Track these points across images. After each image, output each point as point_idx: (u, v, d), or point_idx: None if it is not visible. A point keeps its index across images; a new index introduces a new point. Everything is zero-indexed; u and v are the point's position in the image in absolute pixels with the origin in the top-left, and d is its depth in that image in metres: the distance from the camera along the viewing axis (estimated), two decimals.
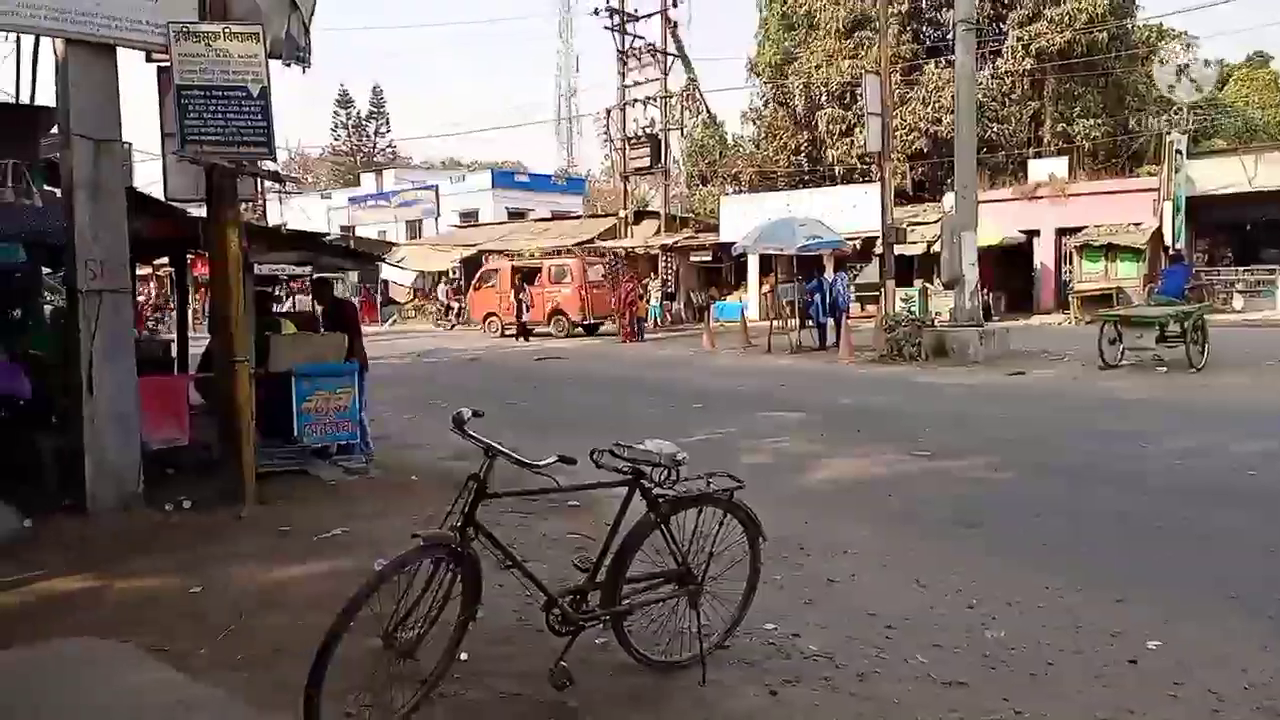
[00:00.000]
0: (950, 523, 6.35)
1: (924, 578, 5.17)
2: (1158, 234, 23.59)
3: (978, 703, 3.67)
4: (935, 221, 24.07)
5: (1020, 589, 4.92)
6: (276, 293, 20.58)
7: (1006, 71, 31.08)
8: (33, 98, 9.36)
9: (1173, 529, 6.02)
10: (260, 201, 31.24)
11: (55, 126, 7.97)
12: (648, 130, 33.41)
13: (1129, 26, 31.62)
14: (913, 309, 19.69)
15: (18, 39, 9.09)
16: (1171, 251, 20.62)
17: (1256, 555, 5.46)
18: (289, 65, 7.46)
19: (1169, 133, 24.06)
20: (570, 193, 49.12)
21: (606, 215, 37.43)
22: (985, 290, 20.49)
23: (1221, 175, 23.77)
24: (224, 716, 3.71)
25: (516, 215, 42.88)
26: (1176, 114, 23.85)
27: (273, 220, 36.34)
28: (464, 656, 3.89)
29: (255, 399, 7.11)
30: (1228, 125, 35.87)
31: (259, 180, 10.44)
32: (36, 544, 5.90)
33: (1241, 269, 24.46)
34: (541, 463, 3.54)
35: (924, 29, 34.15)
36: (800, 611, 4.71)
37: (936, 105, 30.53)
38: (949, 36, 27.02)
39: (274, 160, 8.43)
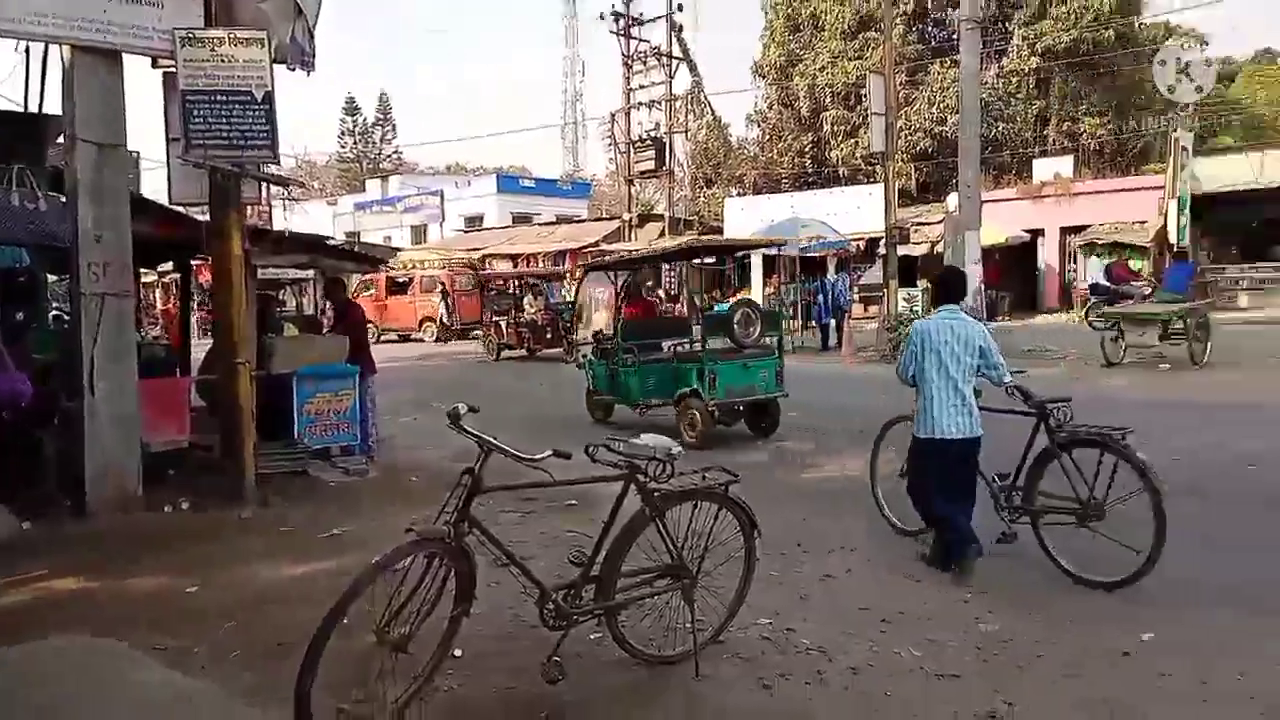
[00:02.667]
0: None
1: (919, 574, 5.19)
2: (1163, 232, 23.49)
3: (968, 694, 3.69)
4: (939, 221, 24.05)
5: (1015, 583, 4.94)
6: (280, 296, 20.70)
7: (1012, 70, 31.04)
8: (41, 106, 9.43)
9: (1171, 524, 6.01)
10: (266, 207, 31.38)
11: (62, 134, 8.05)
12: (652, 133, 33.45)
13: (1135, 24, 31.54)
14: (916, 309, 19.67)
15: (26, 48, 9.16)
16: (1175, 249, 20.54)
17: (1250, 551, 5.45)
18: (293, 70, 7.52)
19: (1175, 131, 24.00)
20: (575, 196, 49.19)
21: (611, 218, 37.47)
22: (990, 289, 20.47)
23: (1229, 173, 23.67)
24: (221, 712, 3.75)
25: (522, 219, 42.97)
26: (1183, 111, 23.77)
27: (278, 226, 36.52)
28: (458, 652, 3.93)
29: (256, 401, 7.16)
30: (1235, 123, 35.74)
31: (264, 185, 10.50)
32: (36, 545, 5.95)
33: (1247, 266, 24.38)
34: (536, 456, 3.57)
35: (929, 29, 34.15)
36: (795, 607, 4.73)
37: (942, 105, 30.53)
38: (954, 36, 26.98)
39: (278, 164, 8.49)
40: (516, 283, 23.58)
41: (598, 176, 61.72)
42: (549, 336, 20.32)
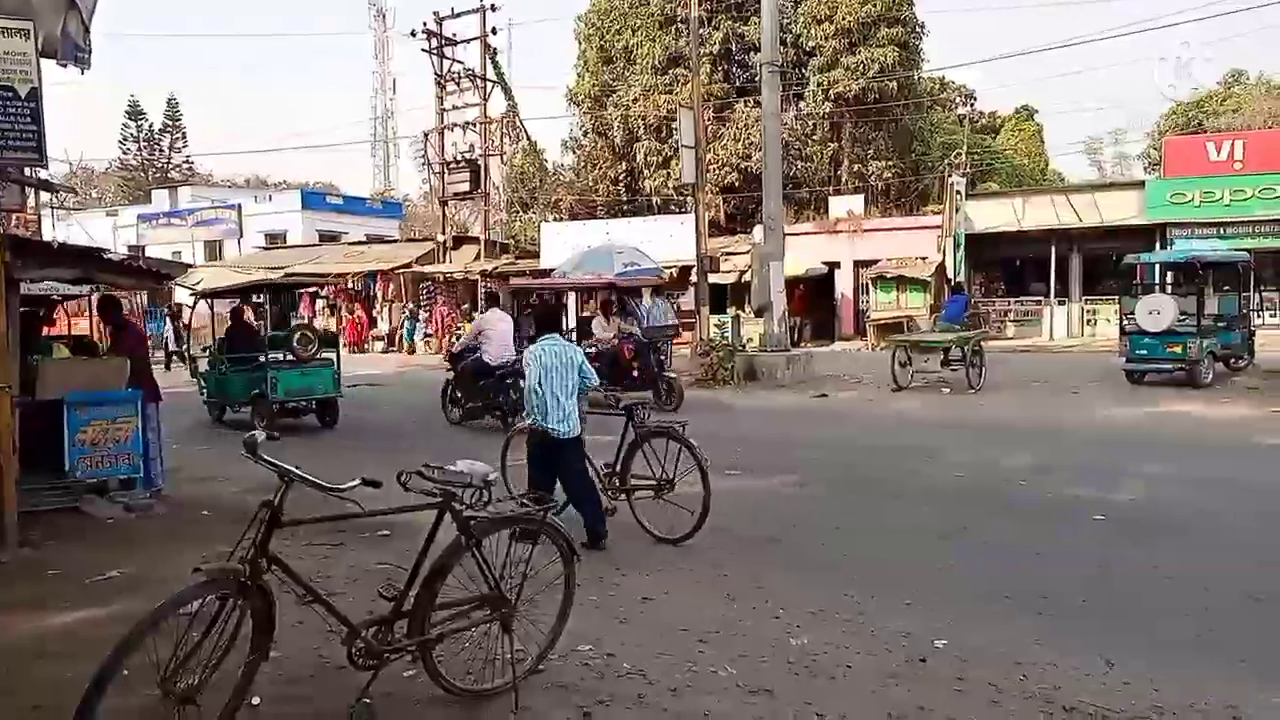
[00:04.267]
0: (759, 539, 6.57)
1: (733, 591, 5.32)
2: (941, 267, 25.70)
3: (783, 708, 3.80)
4: (746, 252, 25.12)
5: (821, 598, 5.15)
6: (50, 314, 18.66)
7: (809, 114, 33.06)
8: None
9: (955, 537, 6.52)
10: (33, 216, 28.33)
11: None
12: (467, 155, 33.05)
13: (915, 77, 34.46)
14: (726, 335, 20.41)
15: None
16: (953, 283, 22.51)
17: (1027, 559, 5.98)
18: (65, 66, 6.85)
19: (951, 176, 26.42)
20: (387, 216, 47.69)
21: (425, 239, 36.60)
22: (793, 318, 21.60)
23: (995, 215, 26.22)
24: None
25: (329, 238, 41.16)
26: (956, 157, 26.15)
27: (48, 237, 33.06)
28: (256, 700, 3.63)
29: (20, 429, 6.40)
30: (1002, 170, 39.71)
31: (30, 191, 9.41)
32: None
33: (1013, 300, 27.05)
34: (343, 486, 3.37)
35: (734, 69, 35.80)
36: (615, 631, 4.72)
37: (746, 142, 32.02)
38: (756, 78, 28.42)
39: (45, 168, 7.69)
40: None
41: (410, 196, 60.22)
42: None
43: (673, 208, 32.91)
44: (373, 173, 71.24)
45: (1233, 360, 15.57)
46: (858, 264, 28.04)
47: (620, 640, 4.58)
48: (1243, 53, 76.10)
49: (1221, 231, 22.78)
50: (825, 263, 27.95)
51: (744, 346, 18.92)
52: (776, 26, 18.22)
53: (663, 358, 14.34)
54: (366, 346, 31.33)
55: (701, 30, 24.77)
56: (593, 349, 13.01)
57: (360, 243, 38.72)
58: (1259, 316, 19.24)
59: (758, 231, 24.01)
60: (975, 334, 15.96)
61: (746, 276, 25.91)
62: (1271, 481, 8.02)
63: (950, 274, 25.02)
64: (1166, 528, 6.56)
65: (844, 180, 33.39)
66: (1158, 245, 22.98)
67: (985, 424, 11.63)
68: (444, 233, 33.29)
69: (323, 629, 3.92)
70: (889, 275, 26.36)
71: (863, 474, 8.80)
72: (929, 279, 25.66)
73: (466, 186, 32.76)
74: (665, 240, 26.66)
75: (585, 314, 15.37)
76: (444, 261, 32.31)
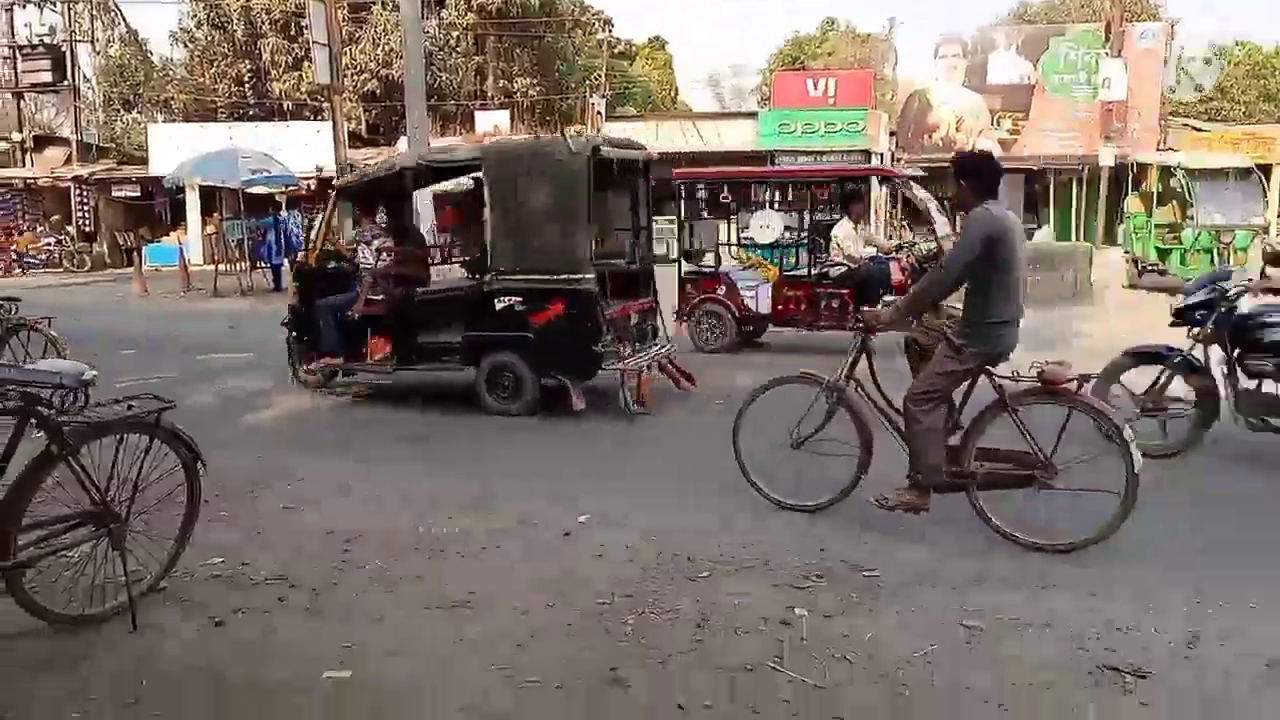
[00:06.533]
0: (401, 441, 6.51)
1: (377, 493, 5.21)
2: None
3: (436, 589, 3.84)
4: None
5: (466, 491, 5.20)
6: None
7: (451, 24, 32.14)
8: None
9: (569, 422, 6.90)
10: None
11: None
12: (46, 39, 27.88)
13: None
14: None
15: None
16: None
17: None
18: None
19: (591, 97, 27.29)
20: None
21: None
22: (441, 235, 21.19)
23: (632, 137, 27.51)
24: None
25: None
26: (596, 79, 26.99)
27: None
28: None
29: None
30: (638, 95, 41.71)
31: None
32: None
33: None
34: None
35: None
36: (252, 542, 4.44)
37: (387, 48, 30.41)
38: None
39: None
40: None
41: None
42: None
43: (307, 114, 30.49)
44: None
45: None
46: None
47: (258, 549, 4.32)
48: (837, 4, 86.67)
49: (817, 159, 25.96)
50: (474, 179, 27.70)
51: None
52: None
53: None
54: None
55: None
56: (841, 267, 9.35)
57: None
58: None
59: (402, 143, 23.09)
60: None
61: None
62: None
63: None
64: None
65: (490, 95, 33.11)
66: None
67: None
68: (20, 130, 28.04)
69: None
70: None
71: None
72: None
73: (48, 77, 27.79)
74: (300, 148, 24.69)
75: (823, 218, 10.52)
76: (22, 165, 27.30)
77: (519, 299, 6.92)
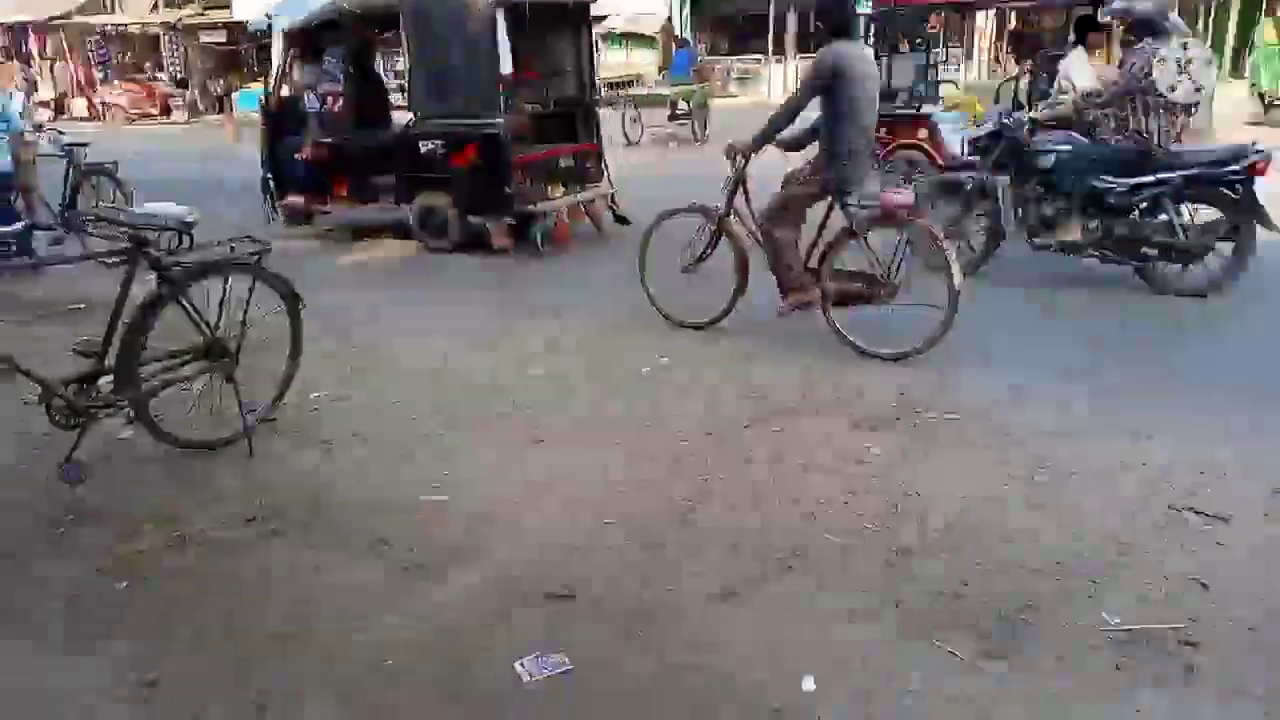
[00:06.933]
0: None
1: (484, 339, 5.39)
2: (669, 24, 25.56)
3: (526, 426, 4.03)
4: None
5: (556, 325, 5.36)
6: None
7: None
8: None
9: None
10: None
11: None
12: None
13: None
14: None
15: None
16: (679, 39, 22.53)
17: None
18: None
19: None
20: None
21: None
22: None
23: None
24: None
25: None
26: None
27: None
28: None
29: None
30: None
31: None
32: None
33: (735, 58, 27.62)
34: (5, 230, 2.96)
35: None
36: (348, 378, 4.69)
37: None
38: None
39: None
40: None
41: None
42: None
43: None
44: None
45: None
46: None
47: (358, 386, 4.58)
48: None
49: None
50: None
51: None
52: None
53: None
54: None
55: None
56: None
57: None
58: (945, 70, 20.94)
59: None
60: (700, 88, 16.27)
61: None
62: None
63: (677, 31, 24.98)
64: None
65: None
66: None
67: (707, 171, 12.15)
68: None
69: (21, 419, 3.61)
70: (618, 32, 25.86)
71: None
72: (656, 35, 25.50)
73: None
74: None
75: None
76: (113, 10, 27.55)
77: (440, 142, 7.30)
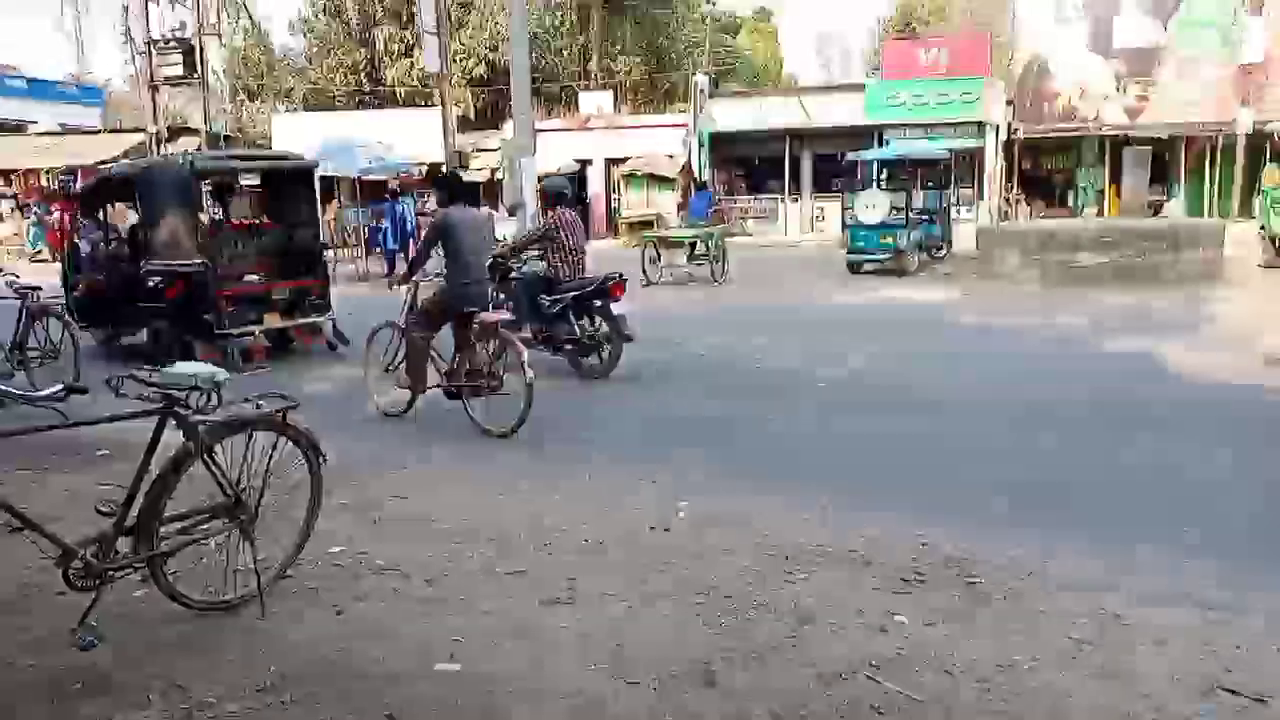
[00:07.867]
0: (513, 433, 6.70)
1: (490, 486, 5.38)
2: (688, 165, 26.55)
3: (539, 584, 3.96)
4: (497, 149, 24.59)
5: (564, 480, 5.36)
6: None
7: (557, 4, 32.44)
8: None
9: (691, 417, 6.97)
10: None
11: None
12: (178, 33, 29.42)
13: None
14: None
15: None
16: (698, 181, 23.35)
17: (763, 433, 6.51)
18: None
19: (695, 75, 27.10)
20: (85, 102, 41.61)
21: (134, 130, 32.51)
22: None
23: (737, 114, 27.27)
24: None
25: (12, 128, 35.46)
26: (700, 55, 26.75)
27: None
28: None
29: None
30: (742, 70, 41.22)
31: None
32: None
33: (752, 198, 28.52)
34: (42, 393, 3.03)
35: None
36: (368, 531, 4.66)
37: (494, 32, 30.97)
38: None
39: None
40: None
41: (113, 81, 52.91)
42: None
43: (419, 101, 31.36)
44: (74, 53, 61.55)
45: (934, 250, 17.48)
46: (609, 161, 28.28)
47: (374, 539, 4.54)
48: None
49: (928, 132, 25.07)
50: (577, 159, 27.95)
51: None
52: None
53: None
54: None
55: None
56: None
57: (53, 133, 33.75)
58: (956, 210, 21.58)
59: (509, 127, 23.50)
60: (718, 229, 16.75)
61: (499, 174, 25.43)
62: (956, 351, 9.26)
63: (696, 172, 25.92)
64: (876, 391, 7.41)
65: (594, 76, 33.31)
66: (876, 145, 24.98)
67: (728, 312, 12.39)
68: (155, 122, 29.75)
69: (28, 558, 3.58)
70: (640, 173, 26.86)
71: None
72: (676, 177, 26.44)
73: (180, 70, 29.29)
74: (412, 135, 25.47)
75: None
76: (159, 155, 28.97)
77: (160, 279, 9.13)
